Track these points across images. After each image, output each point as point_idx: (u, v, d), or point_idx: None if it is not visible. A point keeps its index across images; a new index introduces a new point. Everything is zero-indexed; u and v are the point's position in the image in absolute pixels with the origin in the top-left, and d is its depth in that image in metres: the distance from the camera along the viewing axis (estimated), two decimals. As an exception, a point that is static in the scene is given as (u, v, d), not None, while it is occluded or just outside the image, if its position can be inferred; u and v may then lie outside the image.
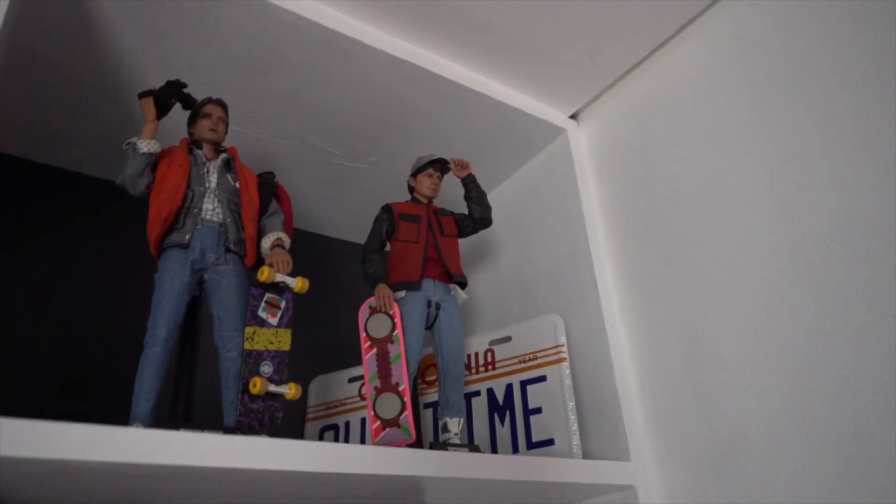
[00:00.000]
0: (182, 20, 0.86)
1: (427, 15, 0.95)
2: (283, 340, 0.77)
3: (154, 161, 0.79)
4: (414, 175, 0.99)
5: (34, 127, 1.03)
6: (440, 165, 0.98)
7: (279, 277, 0.78)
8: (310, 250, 1.37)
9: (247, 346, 0.75)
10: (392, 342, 0.85)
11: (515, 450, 0.96)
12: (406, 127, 1.11)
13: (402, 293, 0.89)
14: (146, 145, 0.77)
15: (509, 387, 1.00)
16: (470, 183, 0.99)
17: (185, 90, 0.82)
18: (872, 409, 0.69)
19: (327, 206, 1.32)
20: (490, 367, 1.04)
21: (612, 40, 1.02)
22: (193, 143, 0.84)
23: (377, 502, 0.83)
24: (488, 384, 1.03)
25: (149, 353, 0.72)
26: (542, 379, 0.97)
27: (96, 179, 1.14)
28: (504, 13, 0.95)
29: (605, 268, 1.04)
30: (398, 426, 0.81)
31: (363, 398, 1.12)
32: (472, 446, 0.83)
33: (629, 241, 1.03)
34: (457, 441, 0.86)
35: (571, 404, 0.93)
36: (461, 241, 0.99)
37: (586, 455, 0.94)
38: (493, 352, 1.05)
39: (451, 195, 1.13)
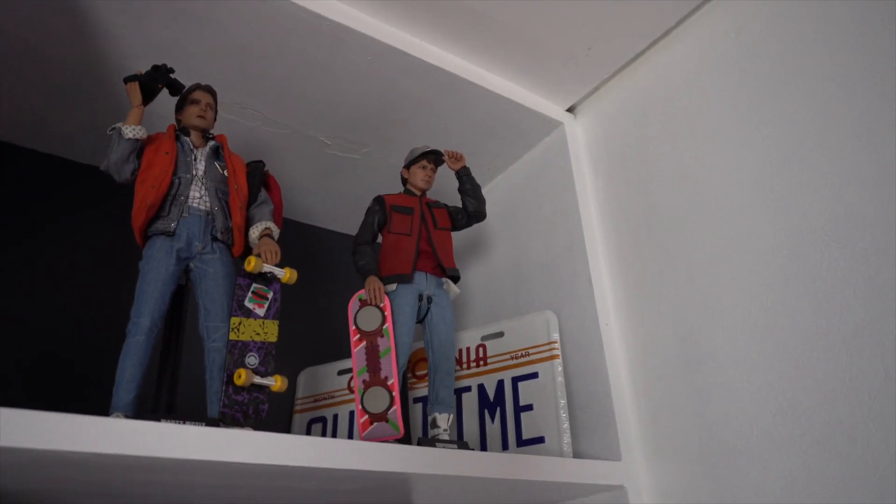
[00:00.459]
0: (172, 6, 0.85)
1: (425, 5, 0.94)
2: (269, 332, 0.76)
3: (140, 147, 0.77)
4: (407, 167, 0.97)
5: (20, 112, 1.01)
6: (434, 157, 0.97)
7: (267, 268, 0.76)
8: (301, 241, 1.36)
9: (232, 336, 0.73)
10: (382, 336, 0.84)
11: (505, 447, 0.95)
12: (401, 118, 1.10)
13: (393, 286, 0.88)
14: (131, 131, 0.75)
15: (500, 383, 0.99)
16: (464, 175, 0.98)
17: (173, 75, 0.80)
18: (868, 411, 0.68)
19: (319, 196, 1.31)
20: (482, 362, 1.03)
21: (610, 34, 1.01)
22: (181, 130, 0.82)
23: (363, 497, 0.82)
24: (479, 380, 1.02)
25: (131, 341, 0.71)
26: (535, 376, 0.96)
27: (82, 165, 1.13)
28: (502, 5, 0.94)
29: (600, 263, 1.03)
30: (386, 421, 0.80)
31: (352, 391, 1.11)
32: (460, 443, 0.82)
33: (625, 236, 1.02)
34: (446, 437, 0.85)
35: (563, 402, 0.92)
36: (454, 233, 0.97)
37: (577, 454, 0.93)
38: (484, 347, 1.03)
39: (444, 187, 1.11)
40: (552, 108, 1.14)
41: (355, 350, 0.84)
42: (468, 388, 1.02)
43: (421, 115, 1.09)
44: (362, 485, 0.74)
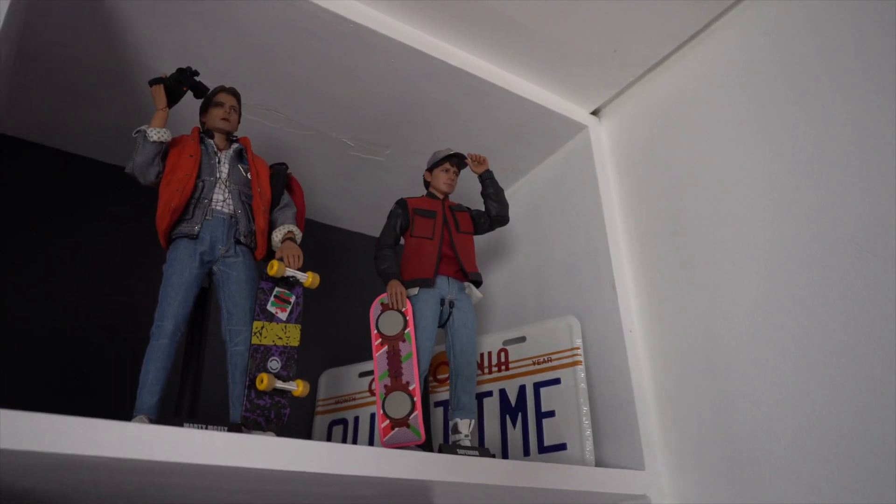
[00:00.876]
0: (197, 8, 0.85)
1: (449, 8, 0.93)
2: (292, 336, 0.76)
3: (164, 150, 0.77)
4: (430, 170, 0.97)
5: (46, 112, 1.02)
6: (457, 160, 0.96)
7: (289, 272, 0.76)
8: (323, 242, 1.36)
9: (254, 340, 0.73)
10: (404, 340, 0.83)
11: (527, 453, 0.94)
12: (424, 121, 1.09)
13: (415, 290, 0.88)
14: (156, 134, 0.75)
15: (522, 388, 0.98)
16: (487, 179, 0.97)
17: (197, 78, 0.80)
18: (901, 426, 0.66)
19: (341, 197, 1.31)
20: (503, 367, 1.02)
21: (636, 36, 0.99)
22: (205, 133, 0.82)
23: (384, 503, 0.82)
24: (501, 385, 1.01)
25: (155, 344, 0.71)
26: (557, 382, 0.95)
27: (107, 164, 1.13)
28: (527, 7, 0.93)
29: (623, 269, 1.02)
30: (408, 426, 0.80)
31: (373, 393, 1.10)
32: (482, 450, 0.81)
33: (649, 241, 1.00)
34: (467, 443, 0.85)
35: (585, 409, 0.91)
36: (476, 236, 0.97)
37: (599, 462, 0.92)
38: (506, 352, 1.03)
39: (467, 190, 1.11)
40: (576, 110, 1.13)
41: (377, 354, 0.84)
42: (490, 393, 1.01)
43: (443, 117, 1.09)
44: (383, 491, 0.74)
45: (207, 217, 0.76)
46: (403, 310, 0.84)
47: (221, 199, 0.78)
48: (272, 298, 0.76)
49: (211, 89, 0.84)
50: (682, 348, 0.91)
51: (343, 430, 1.11)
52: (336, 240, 1.39)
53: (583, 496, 0.81)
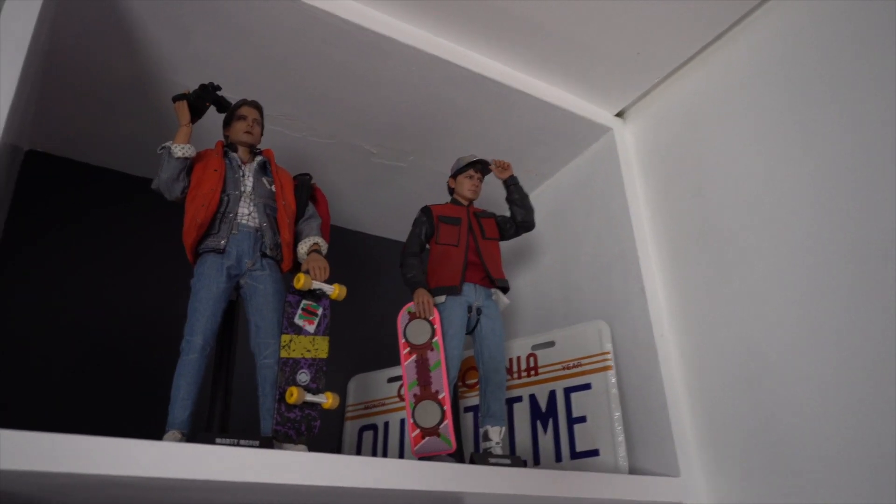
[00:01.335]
0: (217, 21, 0.85)
1: (469, 13, 0.92)
2: (320, 348, 0.76)
3: (189, 165, 0.77)
4: (454, 176, 0.96)
5: (71, 126, 1.03)
6: (481, 167, 0.95)
7: (316, 284, 0.76)
8: (348, 247, 1.36)
9: (283, 354, 0.73)
10: (432, 349, 0.83)
11: (559, 458, 0.93)
12: (447, 127, 1.09)
13: (442, 298, 0.87)
14: (180, 150, 0.76)
15: (552, 393, 0.98)
16: (512, 185, 0.96)
17: (220, 92, 0.80)
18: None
19: (365, 204, 1.31)
20: (532, 372, 1.01)
21: (660, 36, 0.98)
22: (228, 146, 0.83)
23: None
24: (531, 390, 1.00)
25: (185, 360, 0.71)
26: (587, 387, 0.94)
27: (133, 177, 1.14)
28: (548, 9, 0.92)
29: (653, 272, 1.01)
30: (438, 435, 0.79)
31: (402, 398, 1.10)
32: (514, 458, 0.80)
33: (679, 245, 0.99)
34: (498, 451, 0.84)
35: (618, 414, 0.90)
36: (501, 241, 0.96)
37: (632, 468, 0.91)
38: (535, 356, 1.02)
39: (492, 196, 1.10)
40: (601, 113, 1.12)
41: (405, 363, 0.83)
42: (519, 398, 1.01)
43: (466, 123, 1.08)
44: (416, 502, 0.73)
45: (233, 231, 0.77)
46: (431, 318, 0.84)
47: (247, 213, 0.78)
48: (299, 311, 0.76)
49: (233, 103, 0.84)
50: (716, 354, 0.90)
51: (373, 436, 1.11)
52: (361, 244, 1.40)
53: (617, 504, 0.80)
